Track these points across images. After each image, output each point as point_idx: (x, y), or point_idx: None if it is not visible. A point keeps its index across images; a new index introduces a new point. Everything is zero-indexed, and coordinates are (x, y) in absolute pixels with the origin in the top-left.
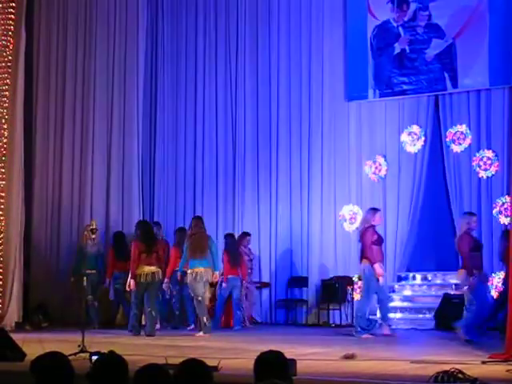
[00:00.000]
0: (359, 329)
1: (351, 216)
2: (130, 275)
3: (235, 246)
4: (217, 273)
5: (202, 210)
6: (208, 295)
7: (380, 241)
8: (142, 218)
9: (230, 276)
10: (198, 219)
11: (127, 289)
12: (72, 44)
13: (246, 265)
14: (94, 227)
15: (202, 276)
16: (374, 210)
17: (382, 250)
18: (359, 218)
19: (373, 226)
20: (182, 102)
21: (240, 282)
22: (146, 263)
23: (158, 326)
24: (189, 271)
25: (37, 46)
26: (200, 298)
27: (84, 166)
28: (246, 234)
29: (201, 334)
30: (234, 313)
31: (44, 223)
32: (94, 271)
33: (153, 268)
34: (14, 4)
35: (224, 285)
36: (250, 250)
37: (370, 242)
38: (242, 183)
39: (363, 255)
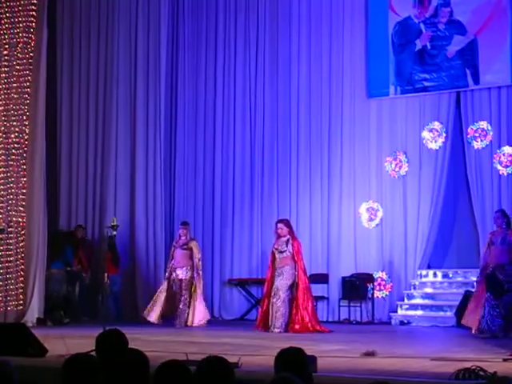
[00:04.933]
0: None
1: (371, 213)
2: None
3: (115, 247)
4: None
5: (220, 207)
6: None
7: None
8: (164, 216)
9: (111, 274)
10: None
11: None
12: (94, 40)
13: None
14: (116, 224)
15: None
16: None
17: None
18: (379, 214)
19: None
20: (201, 100)
21: (120, 279)
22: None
23: None
24: None
25: (60, 43)
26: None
27: (107, 163)
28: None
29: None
30: (110, 306)
31: (69, 219)
32: None
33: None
34: (35, 0)
35: (107, 282)
36: (184, 239)
37: None
38: (261, 181)
39: None
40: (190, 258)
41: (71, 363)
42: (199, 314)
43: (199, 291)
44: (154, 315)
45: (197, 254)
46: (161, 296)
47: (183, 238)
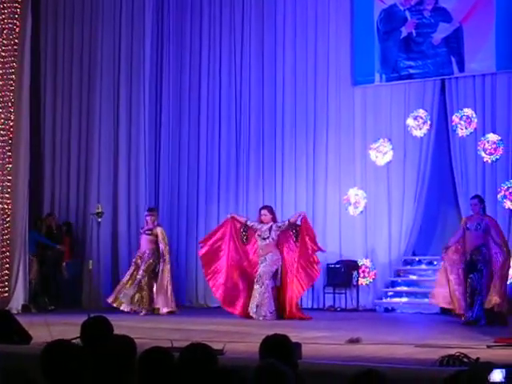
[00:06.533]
0: None
1: (356, 200)
2: None
3: (73, 233)
4: None
5: (205, 194)
6: None
7: None
8: (147, 202)
9: (69, 260)
10: None
11: None
12: (78, 29)
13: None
14: (100, 211)
15: None
16: None
17: None
18: (364, 202)
19: None
20: (186, 87)
21: (79, 265)
22: None
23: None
24: None
25: (44, 30)
26: None
27: (90, 149)
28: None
29: None
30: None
31: (52, 206)
32: None
33: None
34: None
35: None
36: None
37: None
38: (247, 167)
39: None
40: (153, 243)
41: (50, 350)
42: (163, 302)
43: (166, 278)
44: (111, 297)
45: (162, 240)
46: (124, 279)
47: (149, 224)
